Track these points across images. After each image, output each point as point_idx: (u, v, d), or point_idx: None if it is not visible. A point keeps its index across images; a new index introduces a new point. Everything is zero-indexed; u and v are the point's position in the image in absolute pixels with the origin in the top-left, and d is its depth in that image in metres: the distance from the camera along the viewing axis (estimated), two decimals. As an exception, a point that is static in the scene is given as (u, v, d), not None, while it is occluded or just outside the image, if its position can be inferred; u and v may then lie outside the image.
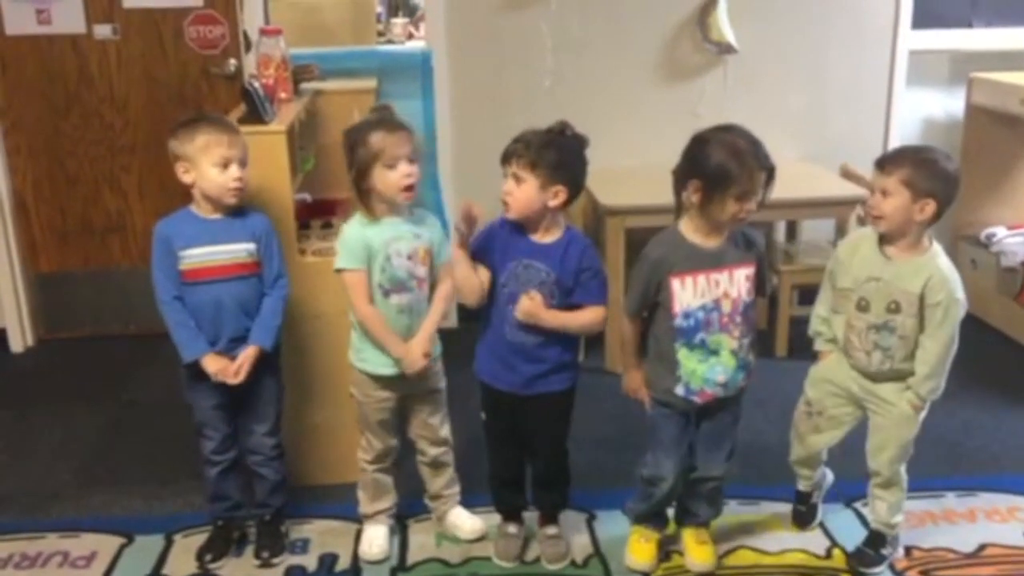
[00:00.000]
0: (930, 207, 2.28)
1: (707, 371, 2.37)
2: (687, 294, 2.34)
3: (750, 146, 2.27)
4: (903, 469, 2.51)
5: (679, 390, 2.40)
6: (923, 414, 2.45)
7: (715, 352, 2.37)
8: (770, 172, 2.29)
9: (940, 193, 2.28)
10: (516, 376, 2.46)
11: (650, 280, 2.38)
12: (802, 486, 2.75)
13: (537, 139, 2.35)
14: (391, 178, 2.43)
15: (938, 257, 2.36)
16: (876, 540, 2.58)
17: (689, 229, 2.37)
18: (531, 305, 2.37)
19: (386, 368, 2.55)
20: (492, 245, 2.43)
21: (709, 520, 2.64)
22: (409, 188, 2.46)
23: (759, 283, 2.42)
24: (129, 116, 4.04)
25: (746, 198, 2.26)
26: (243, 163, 2.47)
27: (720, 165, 2.24)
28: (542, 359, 2.44)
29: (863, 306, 2.39)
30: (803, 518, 2.75)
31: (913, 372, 2.39)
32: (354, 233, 2.50)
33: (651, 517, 2.62)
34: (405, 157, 2.43)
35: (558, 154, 2.35)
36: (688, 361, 2.37)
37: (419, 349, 2.52)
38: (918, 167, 2.28)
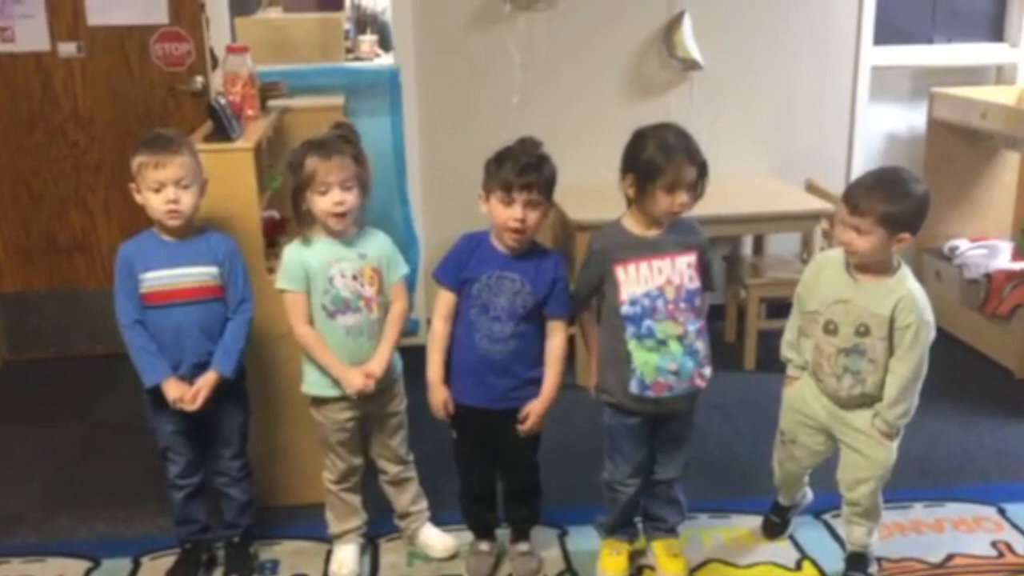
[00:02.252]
0: (906, 239, 2.27)
1: (659, 360, 2.39)
2: (631, 281, 2.39)
3: (679, 140, 2.35)
4: (880, 495, 2.50)
5: (633, 386, 2.41)
6: (897, 441, 2.43)
7: (663, 342, 2.39)
8: (701, 167, 2.36)
9: (915, 223, 2.27)
10: (487, 391, 2.46)
11: (595, 270, 2.46)
12: (782, 500, 2.75)
13: (539, 160, 2.36)
14: (320, 204, 2.43)
15: (907, 279, 2.34)
16: (859, 562, 2.58)
17: (630, 221, 2.45)
18: (533, 419, 2.46)
19: (329, 390, 2.54)
20: (466, 265, 2.43)
21: (676, 525, 2.65)
22: (338, 216, 2.44)
23: (704, 275, 2.46)
24: (95, 134, 4.01)
25: (674, 190, 2.33)
26: (183, 184, 2.40)
27: (649, 159, 2.33)
28: (512, 374, 2.45)
29: (831, 329, 2.38)
30: (775, 529, 2.76)
31: (882, 398, 2.38)
32: (292, 255, 2.50)
33: (620, 527, 2.64)
34: (338, 184, 2.41)
35: (552, 172, 2.40)
36: (639, 352, 2.40)
37: (362, 372, 2.49)
38: (891, 204, 2.23)
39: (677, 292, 2.40)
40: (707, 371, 2.46)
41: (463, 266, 2.44)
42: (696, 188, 2.36)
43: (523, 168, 2.34)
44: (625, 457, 2.53)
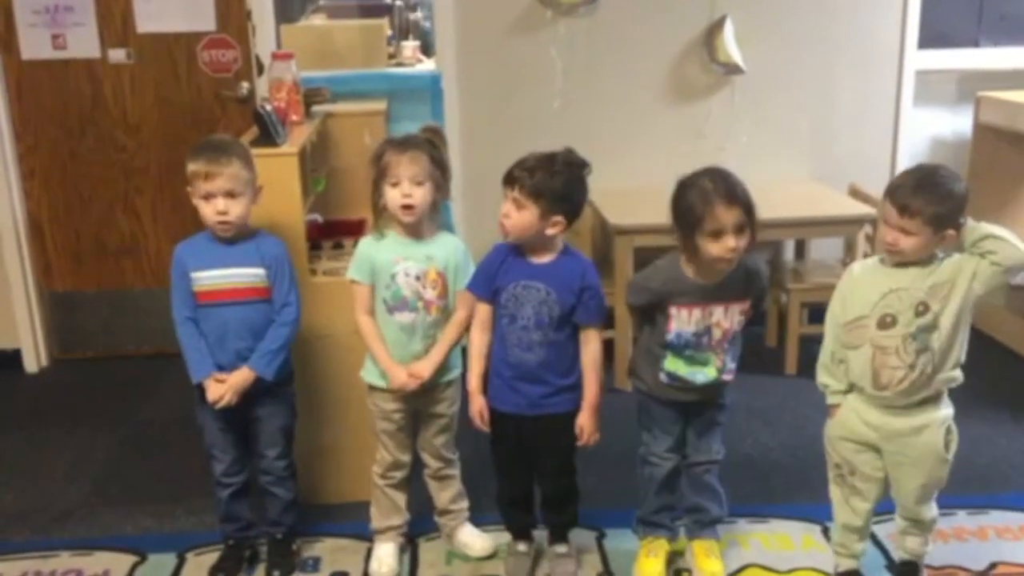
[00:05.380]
0: (952, 235, 2.26)
1: (688, 374, 2.46)
2: (682, 321, 2.42)
3: (718, 184, 2.31)
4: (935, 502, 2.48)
5: (662, 377, 2.49)
6: (952, 452, 2.38)
7: (702, 364, 2.46)
8: (745, 207, 2.30)
9: (959, 218, 2.26)
10: (521, 398, 2.48)
11: (649, 303, 2.48)
12: (848, 565, 2.56)
13: (542, 167, 2.36)
14: (391, 196, 2.48)
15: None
16: (912, 570, 2.55)
17: (687, 265, 2.42)
18: (586, 431, 2.48)
19: (379, 379, 2.60)
20: (496, 276, 2.46)
21: (716, 517, 2.65)
22: (405, 209, 2.48)
23: (753, 309, 2.50)
24: (143, 139, 4.09)
25: (719, 236, 2.29)
26: (233, 194, 2.44)
27: (688, 208, 2.31)
28: (545, 380, 2.47)
29: (888, 322, 2.30)
30: None
31: (947, 377, 2.33)
32: (364, 248, 2.57)
33: (659, 514, 2.63)
34: (408, 178, 2.46)
35: (562, 186, 2.36)
36: (673, 363, 2.47)
37: (407, 370, 2.54)
38: (939, 204, 2.21)
39: (724, 334, 2.44)
40: (733, 365, 2.50)
41: (494, 277, 2.46)
42: (745, 229, 2.31)
43: (520, 165, 2.37)
44: (662, 429, 2.56)
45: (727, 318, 2.43)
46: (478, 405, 2.51)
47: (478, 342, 2.51)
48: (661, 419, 2.55)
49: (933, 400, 2.35)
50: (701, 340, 2.43)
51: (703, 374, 2.46)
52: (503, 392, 2.50)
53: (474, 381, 2.51)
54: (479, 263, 2.53)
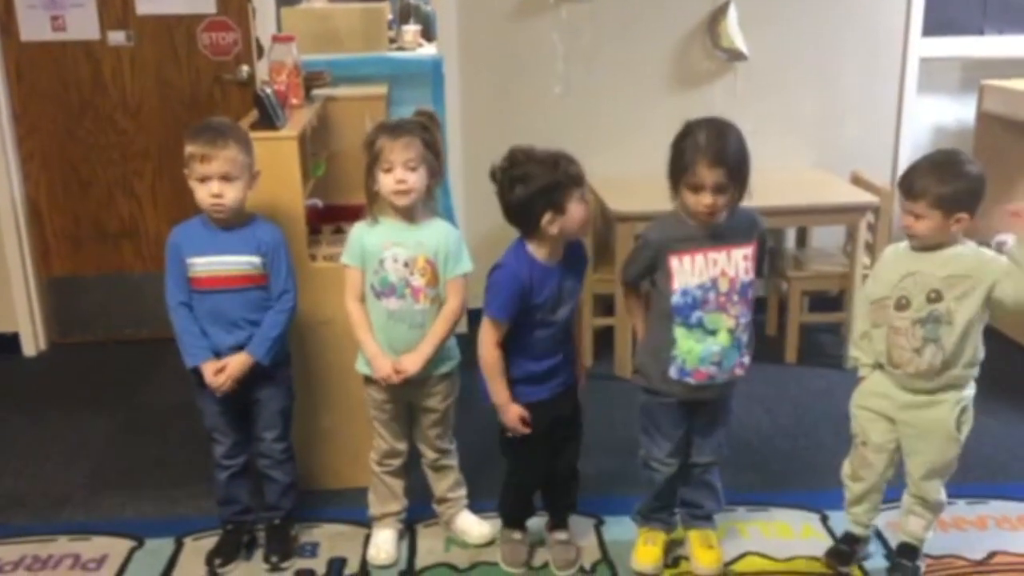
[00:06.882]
0: (964, 219, 2.26)
1: (703, 350, 2.40)
2: (685, 272, 2.38)
3: (711, 141, 2.29)
4: (943, 486, 2.49)
5: (672, 372, 2.43)
6: (964, 434, 2.39)
7: (712, 332, 2.40)
8: (732, 170, 2.29)
9: (970, 203, 2.27)
10: (554, 380, 2.49)
11: (647, 259, 2.45)
12: (857, 530, 2.61)
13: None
14: (384, 182, 2.46)
15: (969, 245, 2.34)
16: (909, 552, 2.55)
17: (685, 215, 2.41)
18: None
19: (369, 369, 2.58)
20: (531, 294, 2.39)
21: (712, 512, 2.65)
22: (399, 193, 2.46)
23: (758, 263, 2.45)
24: (142, 122, 4.07)
25: (698, 191, 2.30)
26: (228, 178, 2.42)
27: (678, 155, 2.33)
28: (564, 360, 2.51)
29: (903, 304, 2.33)
30: (842, 557, 2.60)
31: (962, 374, 2.34)
32: (356, 232, 2.56)
33: (656, 512, 2.63)
34: (401, 163, 2.44)
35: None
36: (685, 341, 2.41)
37: (393, 365, 2.51)
38: (944, 185, 2.23)
39: (731, 284, 2.39)
40: (747, 360, 2.47)
41: (527, 296, 2.38)
42: (726, 190, 2.30)
43: (571, 162, 2.37)
44: (663, 434, 2.53)
45: (731, 265, 2.38)
46: (515, 415, 2.44)
47: (498, 356, 2.42)
48: (663, 422, 2.52)
49: (951, 387, 2.37)
50: (708, 295, 2.37)
51: (717, 344, 2.39)
52: (538, 388, 2.48)
53: (502, 395, 2.43)
54: (499, 289, 2.38)
